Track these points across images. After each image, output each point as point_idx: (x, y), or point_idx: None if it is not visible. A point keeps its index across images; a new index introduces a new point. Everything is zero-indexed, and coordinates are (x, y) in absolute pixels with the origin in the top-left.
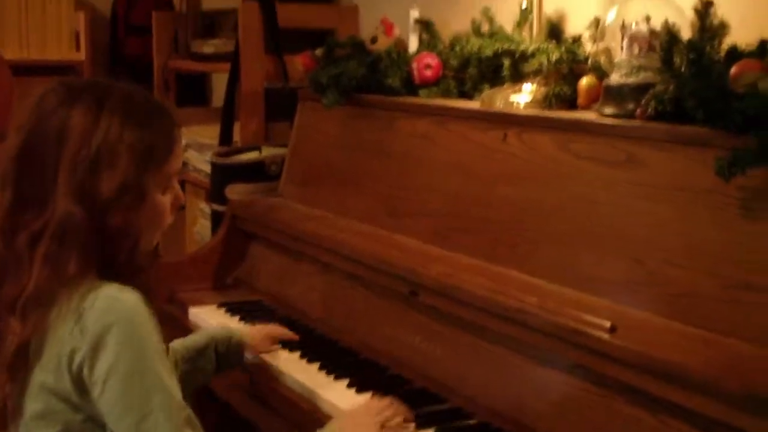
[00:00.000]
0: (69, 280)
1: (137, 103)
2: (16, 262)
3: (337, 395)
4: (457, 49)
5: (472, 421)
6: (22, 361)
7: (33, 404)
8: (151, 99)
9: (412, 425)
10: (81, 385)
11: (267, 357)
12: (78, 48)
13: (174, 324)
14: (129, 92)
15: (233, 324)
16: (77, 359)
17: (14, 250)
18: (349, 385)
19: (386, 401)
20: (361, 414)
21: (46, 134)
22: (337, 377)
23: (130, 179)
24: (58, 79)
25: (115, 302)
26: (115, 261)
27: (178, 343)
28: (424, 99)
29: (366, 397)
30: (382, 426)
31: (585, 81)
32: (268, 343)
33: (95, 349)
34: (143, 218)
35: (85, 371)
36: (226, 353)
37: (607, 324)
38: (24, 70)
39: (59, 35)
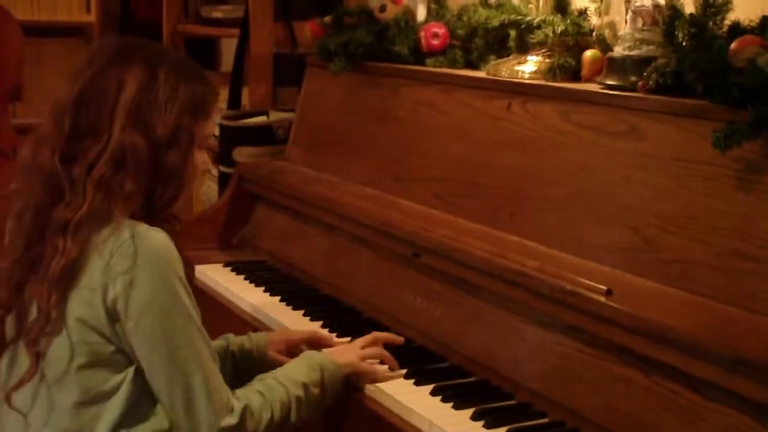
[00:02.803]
0: (121, 202)
1: (186, 65)
2: (72, 187)
3: None
4: (465, 19)
5: (470, 379)
6: (68, 278)
7: (70, 334)
8: (196, 65)
9: (401, 371)
10: (114, 317)
11: (272, 314)
12: (88, 10)
13: None
14: (178, 56)
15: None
16: (111, 292)
17: (71, 176)
18: None
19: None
20: (347, 346)
21: (105, 84)
22: (340, 335)
23: (185, 123)
24: (104, 40)
25: (148, 240)
26: (158, 201)
27: None
28: (430, 67)
29: None
30: (363, 358)
31: (589, 53)
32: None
33: (130, 284)
34: (189, 166)
35: (120, 304)
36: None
37: (603, 287)
38: (34, 31)
39: None
